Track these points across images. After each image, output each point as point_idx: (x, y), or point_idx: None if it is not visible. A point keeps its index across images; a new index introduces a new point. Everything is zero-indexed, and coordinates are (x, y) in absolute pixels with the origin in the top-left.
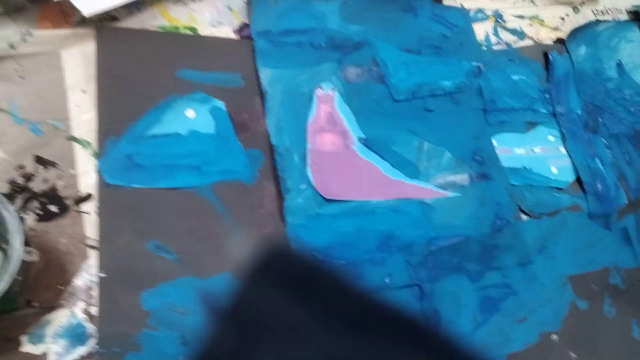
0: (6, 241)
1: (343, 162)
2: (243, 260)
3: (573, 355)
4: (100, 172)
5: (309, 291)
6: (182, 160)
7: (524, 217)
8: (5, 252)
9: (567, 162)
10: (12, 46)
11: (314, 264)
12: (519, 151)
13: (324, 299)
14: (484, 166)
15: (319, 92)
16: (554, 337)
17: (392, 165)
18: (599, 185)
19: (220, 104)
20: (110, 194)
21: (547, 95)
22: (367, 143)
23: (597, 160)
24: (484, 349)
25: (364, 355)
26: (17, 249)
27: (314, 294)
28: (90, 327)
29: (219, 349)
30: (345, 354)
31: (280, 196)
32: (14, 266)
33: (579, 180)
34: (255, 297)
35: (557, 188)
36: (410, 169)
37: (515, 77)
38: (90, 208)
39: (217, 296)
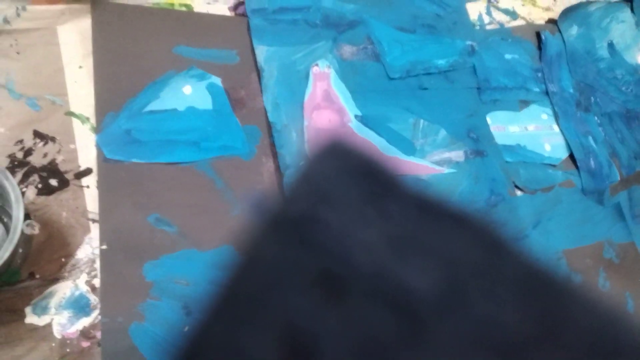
0: (7, 214)
1: (340, 139)
2: (243, 235)
3: None
4: (99, 147)
5: (368, 178)
6: (181, 136)
7: (518, 193)
8: (6, 225)
9: (560, 140)
10: (6, 21)
11: (372, 157)
12: (513, 129)
13: (383, 187)
14: (479, 143)
15: (315, 69)
16: None
17: (389, 142)
18: (591, 162)
19: (217, 80)
20: (109, 169)
21: (539, 74)
22: (363, 120)
23: (590, 138)
24: None
25: (424, 241)
26: (19, 219)
27: (373, 181)
28: (94, 299)
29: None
30: (405, 238)
31: (279, 172)
32: (16, 236)
33: (572, 157)
34: (317, 177)
35: (551, 165)
36: (407, 146)
37: (508, 56)
38: (90, 182)
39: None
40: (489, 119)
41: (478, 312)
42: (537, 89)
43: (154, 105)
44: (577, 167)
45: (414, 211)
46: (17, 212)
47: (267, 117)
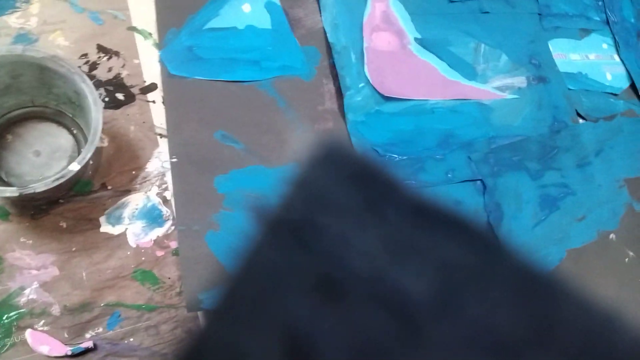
0: (77, 125)
1: (400, 61)
2: (307, 153)
3: (631, 253)
4: (163, 63)
5: (366, 183)
6: (242, 54)
7: (580, 120)
8: (76, 137)
9: (621, 70)
10: None
11: (370, 159)
12: (574, 57)
13: (380, 192)
14: (541, 69)
15: None
16: (612, 236)
17: (450, 66)
18: None
19: None
20: (174, 84)
21: (600, 3)
22: (423, 43)
23: None
24: (546, 244)
25: (420, 245)
26: (99, 122)
27: (370, 187)
28: (165, 210)
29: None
30: (402, 242)
31: (339, 93)
32: (96, 138)
33: (633, 87)
34: (316, 183)
35: (612, 94)
36: (468, 70)
37: None
38: (155, 97)
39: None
40: (550, 46)
41: (473, 315)
42: (597, 18)
43: (214, 23)
44: (638, 97)
45: (410, 216)
46: (97, 115)
47: (326, 38)
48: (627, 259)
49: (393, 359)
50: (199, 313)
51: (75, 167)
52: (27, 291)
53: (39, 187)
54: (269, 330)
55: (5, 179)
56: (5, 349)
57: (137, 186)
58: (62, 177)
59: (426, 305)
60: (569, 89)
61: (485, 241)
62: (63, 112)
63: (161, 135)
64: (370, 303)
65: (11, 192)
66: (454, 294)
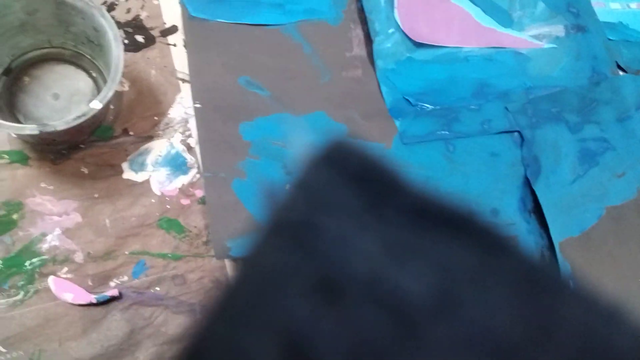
0: (97, 69)
1: (432, 6)
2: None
3: None
4: (183, 4)
5: (366, 185)
6: None
7: (620, 73)
8: (95, 80)
9: None
10: None
11: (371, 160)
12: (614, 5)
13: (380, 193)
14: (580, 18)
15: None
16: None
17: (484, 12)
18: None
19: None
20: (195, 27)
21: None
22: None
23: None
24: (584, 200)
25: (421, 247)
26: (119, 58)
27: (371, 188)
28: (190, 158)
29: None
30: (402, 244)
31: (368, 39)
32: (118, 76)
33: None
34: (316, 183)
35: None
36: (503, 17)
37: None
38: (176, 40)
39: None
40: None
41: (472, 316)
42: None
43: None
44: None
45: (410, 217)
46: (118, 51)
47: None
48: None
49: None
50: (227, 262)
51: (97, 105)
52: (49, 237)
53: (60, 125)
54: (268, 332)
55: (24, 123)
56: (28, 295)
57: (160, 132)
58: (83, 115)
59: (426, 307)
60: (609, 39)
61: (486, 243)
62: (81, 54)
63: (183, 80)
64: (369, 304)
65: (31, 129)
66: (454, 296)
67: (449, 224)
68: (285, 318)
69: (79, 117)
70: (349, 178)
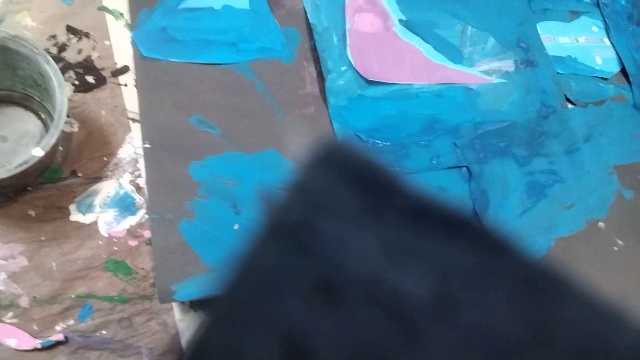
0: (46, 110)
1: (384, 44)
2: (287, 140)
3: (620, 242)
4: (135, 44)
5: (364, 186)
6: (218, 36)
7: (569, 105)
8: (44, 122)
9: (611, 53)
10: None
11: (369, 162)
12: (563, 40)
13: (378, 195)
14: (529, 53)
15: None
16: (601, 224)
17: (435, 49)
18: None
19: None
20: (147, 67)
21: None
22: (408, 25)
23: None
24: (533, 232)
25: (419, 248)
26: (63, 104)
27: (369, 190)
28: (139, 198)
29: (285, 219)
30: (400, 245)
31: (321, 77)
32: (61, 121)
33: (624, 71)
34: (314, 185)
35: (602, 78)
36: (454, 54)
37: None
38: (128, 80)
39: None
40: (538, 29)
41: (471, 317)
42: (587, 0)
43: (189, 2)
44: (629, 81)
45: (409, 219)
46: (61, 97)
47: (307, 19)
48: (616, 248)
49: None
50: (174, 305)
51: (39, 152)
52: None
53: (1, 173)
54: (267, 333)
55: None
56: None
57: (109, 173)
58: (25, 163)
59: (424, 308)
60: (558, 73)
61: (484, 244)
62: (30, 96)
63: (134, 120)
64: (368, 305)
65: None
66: (452, 297)
67: (447, 226)
68: (284, 320)
69: (20, 164)
70: (347, 180)
